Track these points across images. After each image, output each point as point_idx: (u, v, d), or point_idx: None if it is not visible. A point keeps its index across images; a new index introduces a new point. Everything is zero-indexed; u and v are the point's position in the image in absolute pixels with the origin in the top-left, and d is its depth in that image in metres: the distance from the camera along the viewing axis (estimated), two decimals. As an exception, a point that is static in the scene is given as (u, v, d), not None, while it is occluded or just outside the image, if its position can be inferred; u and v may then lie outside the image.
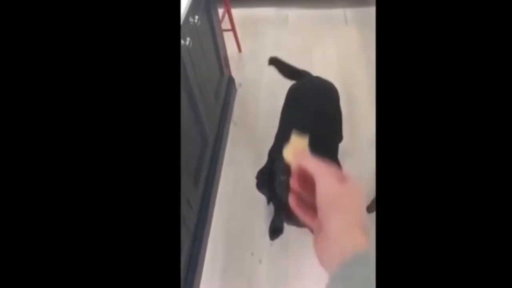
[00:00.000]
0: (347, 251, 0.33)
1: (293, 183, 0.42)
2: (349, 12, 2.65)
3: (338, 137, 1.45)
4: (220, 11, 1.90)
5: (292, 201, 0.42)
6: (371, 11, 2.61)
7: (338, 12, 2.66)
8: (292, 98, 1.42)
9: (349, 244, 0.34)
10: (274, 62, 1.60)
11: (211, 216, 1.55)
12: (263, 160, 1.31)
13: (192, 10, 1.26)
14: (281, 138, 1.30)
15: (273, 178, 1.13)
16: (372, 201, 1.46)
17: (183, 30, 1.16)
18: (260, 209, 1.59)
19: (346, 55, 2.30)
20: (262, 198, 1.58)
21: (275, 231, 1.50)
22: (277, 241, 1.49)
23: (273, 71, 1.60)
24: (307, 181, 0.40)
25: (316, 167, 0.38)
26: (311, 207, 0.40)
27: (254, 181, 1.36)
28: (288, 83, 1.52)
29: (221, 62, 1.79)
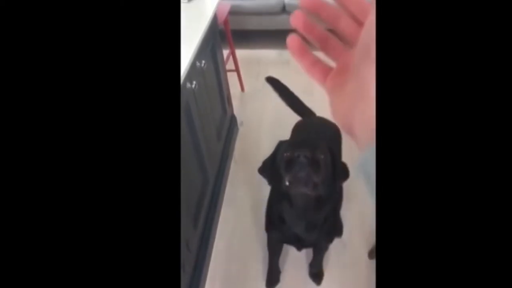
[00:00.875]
0: None
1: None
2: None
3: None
4: (225, 52, 1.96)
5: (296, 21, 0.27)
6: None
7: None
8: (298, 131, 1.47)
9: None
10: (270, 80, 1.64)
11: (209, 258, 1.52)
12: (263, 200, 1.30)
13: (199, 55, 1.30)
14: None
15: (275, 161, 1.11)
16: (373, 247, 1.43)
17: (190, 74, 1.20)
18: (258, 251, 1.55)
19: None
20: (261, 239, 1.56)
21: (271, 281, 1.45)
22: None
23: (274, 110, 1.63)
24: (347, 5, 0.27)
25: None
26: (330, 42, 0.28)
27: (253, 222, 1.35)
28: (289, 123, 1.55)
29: (224, 101, 1.82)
